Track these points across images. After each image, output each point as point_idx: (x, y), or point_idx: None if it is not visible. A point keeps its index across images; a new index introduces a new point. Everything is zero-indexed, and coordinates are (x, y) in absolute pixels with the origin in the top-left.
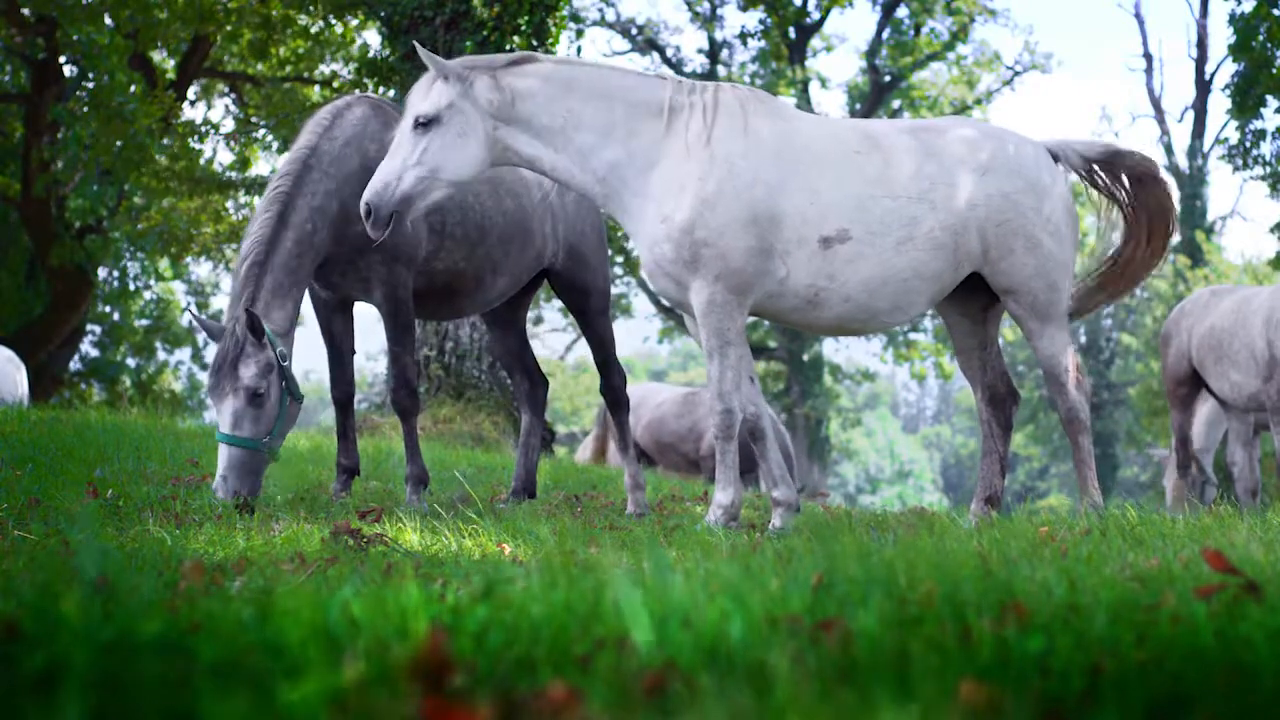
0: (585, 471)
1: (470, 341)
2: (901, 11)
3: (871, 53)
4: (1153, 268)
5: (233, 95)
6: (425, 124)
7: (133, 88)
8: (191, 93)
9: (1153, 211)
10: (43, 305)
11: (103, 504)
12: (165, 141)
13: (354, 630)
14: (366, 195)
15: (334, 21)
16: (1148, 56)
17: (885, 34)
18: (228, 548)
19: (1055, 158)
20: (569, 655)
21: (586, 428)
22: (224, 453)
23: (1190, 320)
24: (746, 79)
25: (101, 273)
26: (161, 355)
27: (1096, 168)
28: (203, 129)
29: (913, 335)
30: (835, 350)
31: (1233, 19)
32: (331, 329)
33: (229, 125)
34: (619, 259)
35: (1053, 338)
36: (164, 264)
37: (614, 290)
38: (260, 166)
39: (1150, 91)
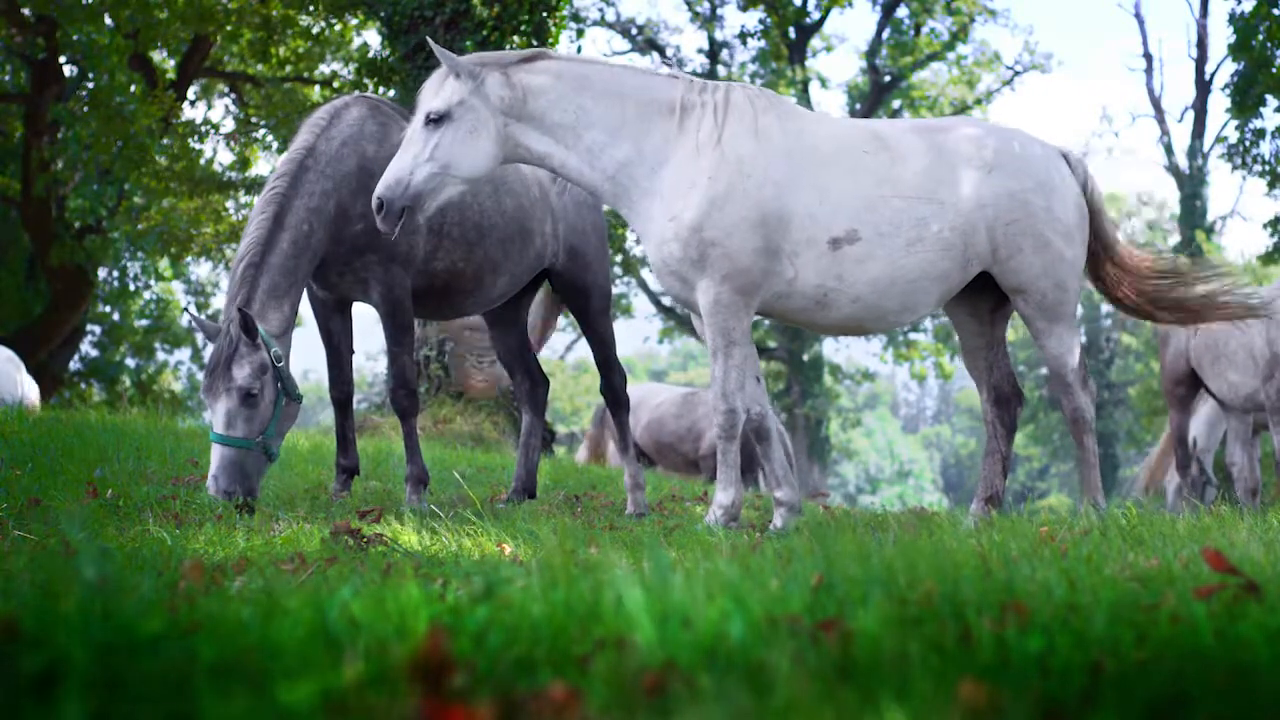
0: (585, 471)
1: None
2: (901, 11)
3: (871, 53)
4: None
5: (233, 95)
6: (437, 120)
7: (133, 88)
8: (191, 93)
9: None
10: (43, 305)
11: (103, 504)
12: (165, 141)
13: (353, 630)
14: (379, 190)
15: (334, 21)
16: (1148, 56)
17: (885, 34)
18: (228, 548)
19: (1067, 160)
20: (569, 655)
21: (586, 428)
22: (216, 452)
23: None
24: (746, 79)
25: (101, 273)
26: (161, 355)
27: None
28: (203, 129)
29: (913, 335)
30: (835, 350)
31: (1232, 19)
32: (330, 329)
33: (229, 125)
34: (619, 259)
35: (1060, 337)
36: (164, 264)
37: (614, 290)
38: (260, 166)
39: (1150, 91)
